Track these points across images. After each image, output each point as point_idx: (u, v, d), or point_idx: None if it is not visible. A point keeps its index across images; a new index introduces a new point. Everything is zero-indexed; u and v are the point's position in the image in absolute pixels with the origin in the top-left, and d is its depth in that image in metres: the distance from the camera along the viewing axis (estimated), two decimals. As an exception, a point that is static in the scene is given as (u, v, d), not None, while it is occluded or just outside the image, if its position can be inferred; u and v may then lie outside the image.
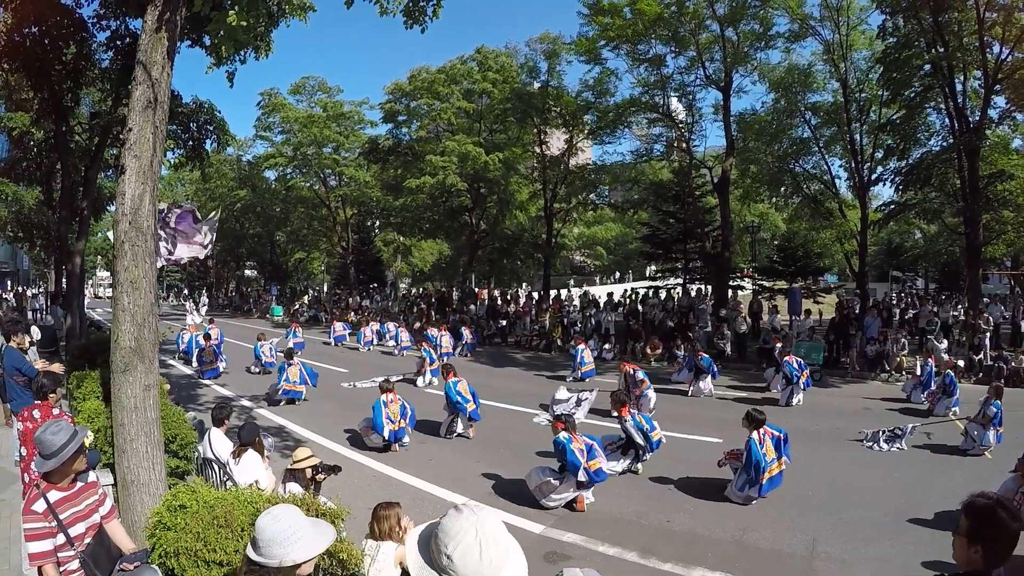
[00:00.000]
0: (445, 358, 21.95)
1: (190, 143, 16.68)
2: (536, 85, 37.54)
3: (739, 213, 47.34)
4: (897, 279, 56.23)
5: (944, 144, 26.79)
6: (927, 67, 25.32)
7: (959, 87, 25.17)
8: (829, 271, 57.70)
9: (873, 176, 29.98)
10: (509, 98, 36.99)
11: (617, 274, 75.56)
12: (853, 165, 30.79)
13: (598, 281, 72.33)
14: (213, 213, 12.70)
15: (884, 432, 12.41)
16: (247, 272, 72.61)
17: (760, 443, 9.12)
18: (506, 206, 40.85)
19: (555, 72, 37.22)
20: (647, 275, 47.99)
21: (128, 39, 14.01)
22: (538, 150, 39.26)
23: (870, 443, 12.29)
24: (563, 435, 8.86)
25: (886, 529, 8.23)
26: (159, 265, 8.78)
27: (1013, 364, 20.38)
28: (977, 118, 24.70)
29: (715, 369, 18.26)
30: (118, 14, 14.28)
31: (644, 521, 8.60)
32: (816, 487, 9.86)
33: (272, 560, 2.96)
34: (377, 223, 56.50)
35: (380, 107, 43.62)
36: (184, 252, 11.29)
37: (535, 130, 38.19)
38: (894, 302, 37.33)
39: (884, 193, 45.44)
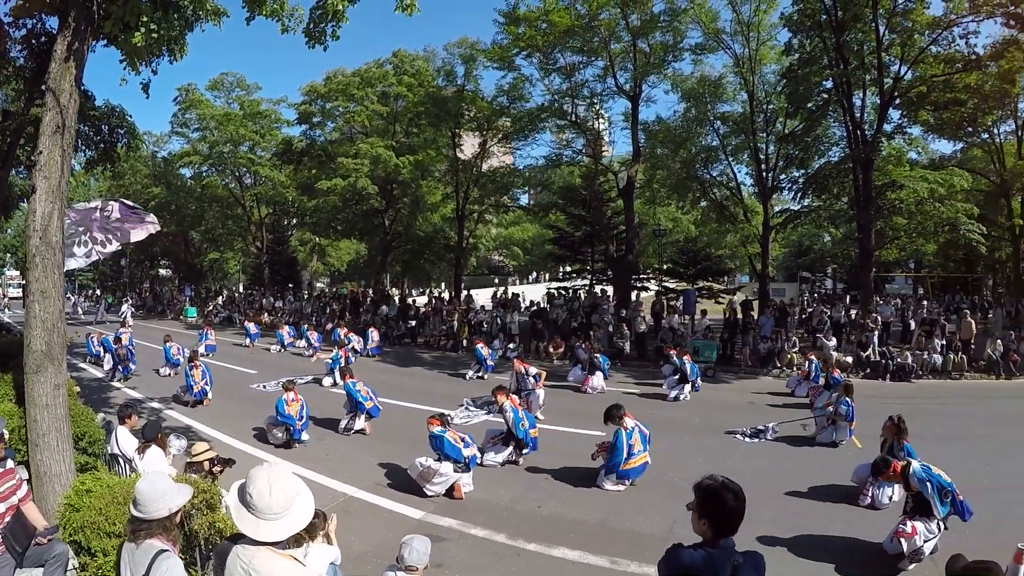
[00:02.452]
0: (352, 359, 22.40)
1: (101, 145, 16.72)
2: (452, 89, 37.78)
3: (653, 216, 48.90)
4: (806, 279, 58.66)
5: (843, 154, 28.51)
6: (828, 83, 26.85)
7: (857, 102, 26.69)
8: (729, 273, 59.95)
9: (776, 183, 31.75)
10: (424, 101, 37.22)
11: (534, 274, 76.64)
12: (758, 172, 32.33)
13: (516, 281, 73.27)
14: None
15: (751, 428, 13.56)
16: (161, 272, 71.04)
17: (629, 432, 9.90)
18: (418, 208, 41.07)
19: (472, 76, 37.55)
20: (559, 276, 49.21)
21: (44, 38, 14.04)
22: (451, 153, 39.59)
23: (742, 436, 13.37)
24: (437, 429, 9.52)
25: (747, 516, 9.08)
26: (116, 249, 9.18)
27: (899, 360, 21.96)
28: (873, 131, 26.27)
29: (607, 367, 19.22)
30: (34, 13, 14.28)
31: (517, 507, 9.26)
32: (682, 474, 10.49)
33: (153, 513, 3.75)
34: (294, 222, 56.16)
35: (295, 108, 43.39)
36: (140, 234, 11.71)
37: (449, 133, 38.46)
38: (804, 301, 39.30)
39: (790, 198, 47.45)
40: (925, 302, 36.99)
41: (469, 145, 41.54)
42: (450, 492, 9.48)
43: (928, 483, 7.62)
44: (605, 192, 37.63)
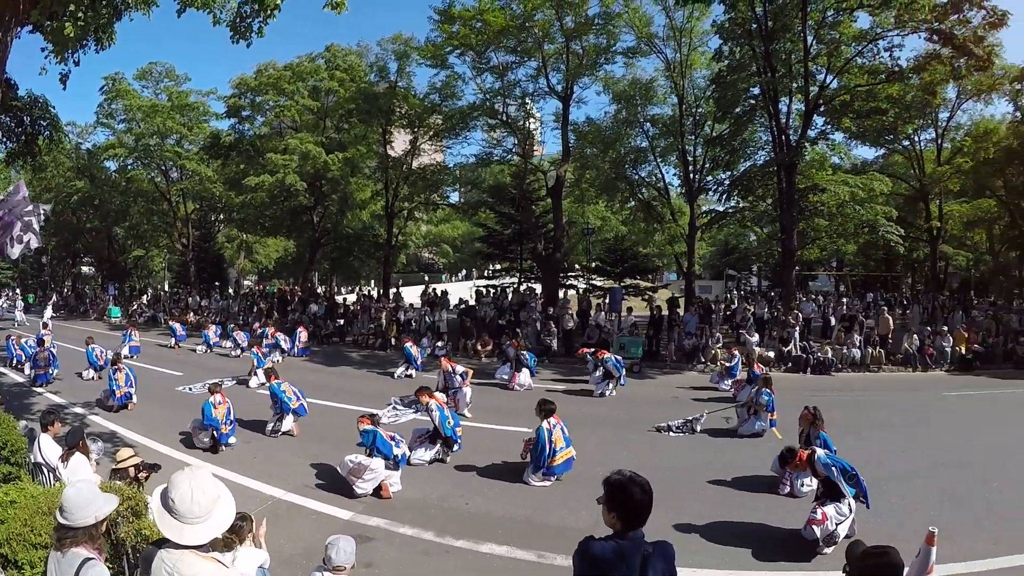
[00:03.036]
0: (280, 359, 22.37)
1: (23, 137, 16.24)
2: (384, 85, 37.52)
3: (582, 215, 49.44)
4: (732, 277, 59.99)
5: (768, 158, 29.26)
6: (755, 89, 27.65)
7: (783, 108, 27.43)
8: (656, 271, 61.06)
9: (703, 184, 32.49)
10: (355, 97, 36.83)
11: (464, 271, 76.66)
12: (685, 174, 32.96)
13: (447, 279, 73.03)
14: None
15: (678, 422, 13.86)
16: (84, 270, 68.76)
17: (550, 431, 10.07)
18: (347, 205, 40.71)
19: (405, 73, 37.34)
20: (488, 273, 49.41)
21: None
22: (382, 150, 39.34)
23: (664, 431, 13.66)
24: (368, 426, 9.61)
25: (667, 504, 9.07)
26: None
27: (819, 355, 22.87)
28: (797, 137, 27.09)
29: (534, 364, 19.47)
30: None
31: (445, 504, 9.37)
32: (608, 469, 10.69)
33: (79, 521, 3.72)
34: (221, 218, 54.98)
35: (224, 100, 42.43)
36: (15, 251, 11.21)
37: (380, 130, 38.19)
38: (728, 298, 40.20)
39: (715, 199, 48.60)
40: (845, 299, 38.58)
41: (400, 142, 41.18)
42: (377, 492, 9.51)
43: (833, 468, 8.03)
44: (534, 191, 37.93)
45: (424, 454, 11.11)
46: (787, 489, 9.87)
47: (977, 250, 52.45)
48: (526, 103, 35.09)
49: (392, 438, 9.83)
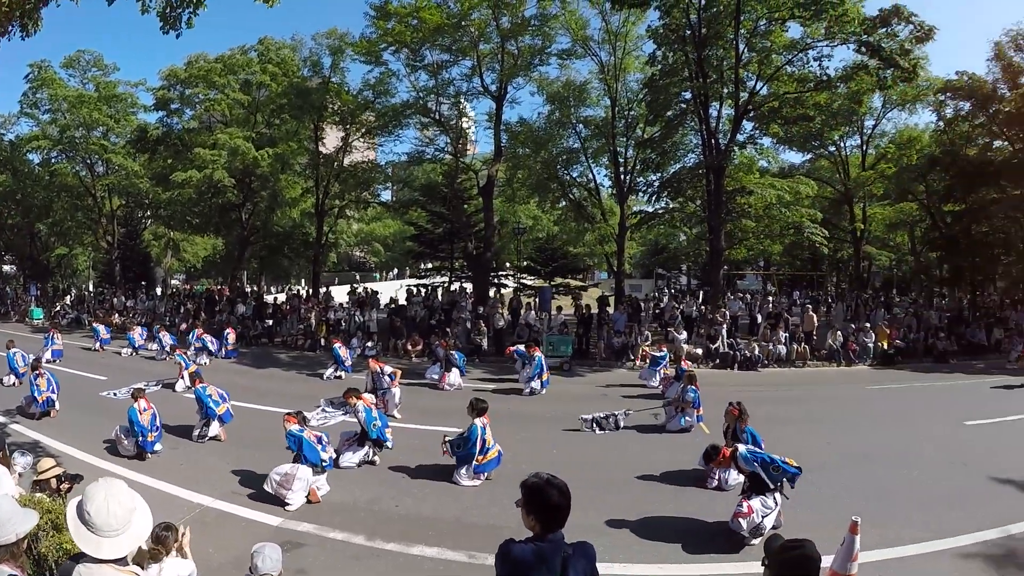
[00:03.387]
0: (207, 362, 21.90)
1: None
2: (317, 80, 36.98)
3: (514, 215, 49.72)
4: (661, 276, 60.97)
5: (697, 161, 29.86)
6: (687, 94, 28.20)
7: (714, 113, 28.13)
8: (588, 270, 61.84)
9: (633, 185, 33.01)
10: (288, 92, 36.21)
11: (395, 270, 76.22)
12: (616, 175, 33.40)
13: (378, 278, 72.40)
14: None
15: (597, 417, 14.03)
16: (5, 268, 65.93)
17: (483, 427, 10.16)
18: (277, 202, 39.97)
19: (338, 69, 36.88)
20: (419, 273, 49.25)
21: None
22: (313, 147, 38.71)
23: (589, 427, 13.82)
24: (295, 427, 9.49)
25: (598, 501, 9.35)
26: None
27: (746, 351, 23.47)
28: (727, 141, 27.68)
29: (464, 364, 19.52)
30: None
31: (375, 507, 9.32)
32: (537, 466, 10.86)
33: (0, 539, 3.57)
34: (147, 215, 53.35)
35: (153, 92, 41.11)
36: None
37: (312, 126, 37.61)
38: (657, 296, 40.83)
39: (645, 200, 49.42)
40: (771, 298, 39.61)
41: (332, 139, 40.59)
42: (307, 496, 9.39)
43: (755, 462, 8.25)
44: (466, 190, 37.97)
45: (353, 457, 11.02)
46: (715, 483, 10.12)
47: (899, 251, 54.31)
48: (459, 102, 35.10)
49: (319, 439, 9.74)
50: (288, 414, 9.83)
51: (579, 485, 9.75)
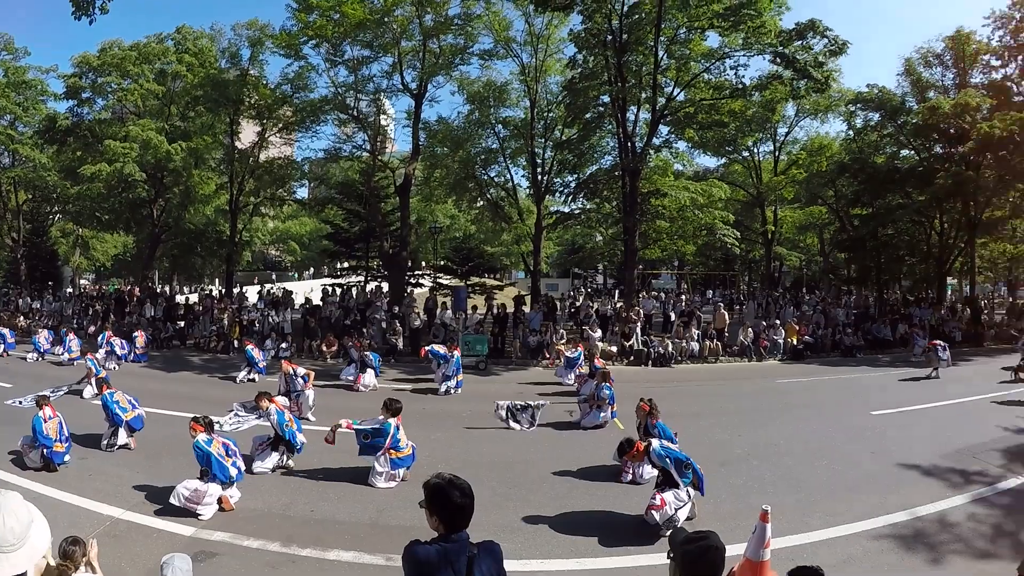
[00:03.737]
0: (116, 366, 21.09)
1: None
2: (235, 72, 36.22)
3: (431, 214, 49.65)
4: (578, 275, 61.77)
5: (614, 163, 30.35)
6: (605, 97, 28.59)
7: (631, 117, 28.55)
8: (505, 269, 62.21)
9: (550, 186, 33.44)
10: (204, 83, 35.16)
11: (311, 269, 75.15)
12: (534, 175, 33.70)
13: (296, 276, 71.38)
14: None
15: (512, 405, 14.19)
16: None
17: (398, 427, 10.15)
18: (190, 198, 38.54)
19: (257, 61, 36.26)
20: (335, 272, 48.64)
21: None
22: (229, 141, 37.70)
23: (504, 417, 13.95)
24: (202, 437, 9.18)
25: (514, 498, 9.53)
26: None
27: (659, 348, 23.97)
28: (643, 144, 28.21)
29: (378, 364, 19.43)
30: None
31: (290, 513, 9.16)
32: (453, 466, 10.77)
33: None
34: (55, 210, 51.44)
35: (64, 80, 39.28)
36: None
37: (228, 119, 36.59)
38: (573, 295, 41.29)
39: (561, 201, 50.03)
40: (684, 296, 40.53)
41: (248, 133, 39.60)
42: (220, 505, 9.11)
43: (667, 459, 8.43)
44: (383, 189, 37.67)
45: (265, 462, 10.79)
46: (629, 477, 10.29)
47: (809, 252, 56.22)
48: (379, 99, 34.78)
49: (227, 448, 9.42)
50: (194, 421, 9.48)
51: (495, 484, 9.80)
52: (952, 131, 34.00)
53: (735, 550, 7.00)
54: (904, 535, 8.54)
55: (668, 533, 8.00)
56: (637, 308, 27.46)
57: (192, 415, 9.83)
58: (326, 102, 33.00)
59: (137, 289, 39.69)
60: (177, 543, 8.00)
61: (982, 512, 9.47)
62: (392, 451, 10.13)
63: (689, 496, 8.46)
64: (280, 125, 37.43)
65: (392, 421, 10.18)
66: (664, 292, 46.54)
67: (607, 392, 14.11)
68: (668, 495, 8.32)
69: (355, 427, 10.33)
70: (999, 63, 40.06)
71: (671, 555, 3.37)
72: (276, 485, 10.26)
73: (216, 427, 10.24)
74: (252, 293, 36.78)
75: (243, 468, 9.73)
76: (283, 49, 32.08)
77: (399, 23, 29.72)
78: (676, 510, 8.26)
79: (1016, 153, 31.03)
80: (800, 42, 26.56)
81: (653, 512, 8.22)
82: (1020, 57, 38.74)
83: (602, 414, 14.14)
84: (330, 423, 11.14)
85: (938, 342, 22.74)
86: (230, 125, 37.02)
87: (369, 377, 18.66)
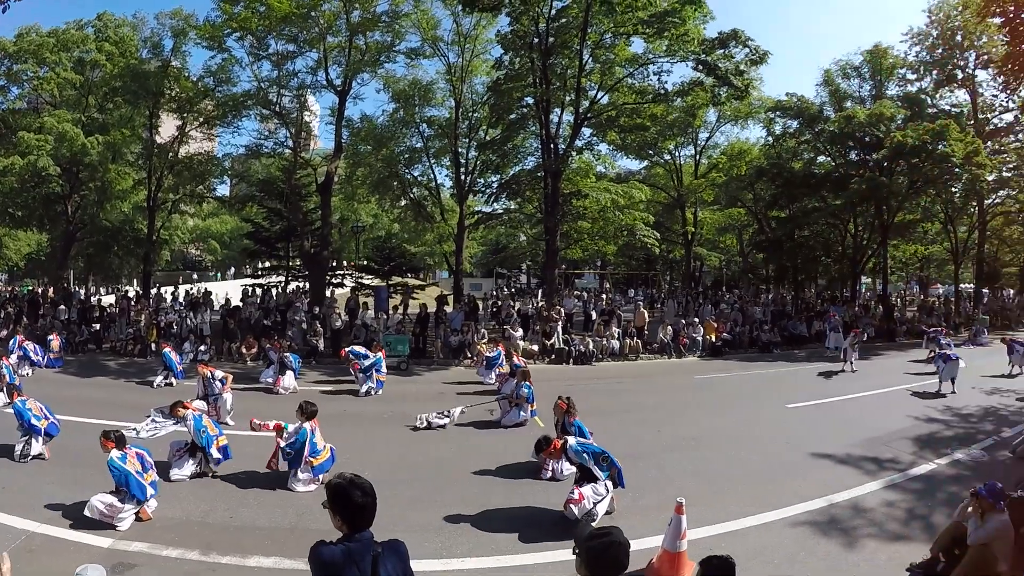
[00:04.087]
0: (30, 372, 20.29)
1: None
2: (157, 63, 34.92)
3: (355, 213, 49.32)
4: (502, 275, 62.17)
5: (537, 164, 30.70)
6: (530, 99, 28.96)
7: (555, 119, 28.90)
8: (427, 269, 62.25)
9: (473, 186, 33.60)
10: (124, 74, 33.85)
11: (232, 269, 73.39)
12: (457, 175, 33.76)
13: (220, 276, 69.24)
14: None
15: (435, 413, 14.24)
16: None
17: (313, 432, 10.09)
18: (107, 195, 37.14)
19: (180, 52, 35.06)
20: (257, 272, 47.76)
21: None
22: (148, 135, 36.36)
23: (423, 424, 13.98)
24: (115, 454, 8.86)
25: (434, 498, 9.61)
26: None
27: (580, 347, 24.38)
28: (565, 146, 28.61)
29: (298, 366, 19.17)
30: None
31: (209, 520, 9.02)
32: (371, 468, 10.65)
33: None
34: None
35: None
36: None
37: (148, 112, 35.22)
38: (496, 295, 41.56)
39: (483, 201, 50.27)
40: (604, 295, 41.42)
41: (169, 127, 38.14)
42: (137, 515, 8.87)
43: (584, 454, 8.65)
44: (305, 187, 36.97)
45: (184, 469, 10.58)
46: (549, 474, 10.47)
47: (729, 252, 57.60)
48: (303, 95, 34.26)
49: (142, 462, 9.10)
50: (104, 436, 9.11)
51: (417, 484, 9.92)
52: (867, 139, 35.42)
53: (655, 542, 7.37)
54: (819, 521, 8.95)
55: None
56: (558, 307, 27.82)
57: (110, 422, 9.61)
58: (249, 97, 32.24)
59: (51, 290, 38.30)
60: (94, 555, 7.82)
61: (895, 497, 10.01)
62: (311, 458, 10.05)
63: (607, 489, 8.68)
64: (201, 119, 36.38)
65: (307, 426, 10.10)
66: (587, 291, 47.24)
67: (526, 391, 14.32)
68: (586, 489, 8.54)
69: (282, 447, 10.21)
70: (915, 76, 42.50)
71: (576, 551, 3.48)
72: (194, 492, 10.09)
73: (133, 434, 10.02)
74: (179, 292, 35.75)
75: (156, 483, 9.39)
76: (206, 41, 31.15)
77: (326, 18, 29.37)
78: (595, 504, 8.50)
79: (927, 161, 32.50)
80: (722, 50, 27.32)
81: (572, 507, 8.42)
82: (935, 71, 40.89)
83: (522, 413, 14.34)
84: (249, 427, 11.16)
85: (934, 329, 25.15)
86: (150, 118, 35.79)
87: (289, 379, 18.36)
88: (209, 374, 14.96)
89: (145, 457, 9.26)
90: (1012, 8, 15.73)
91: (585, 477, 8.77)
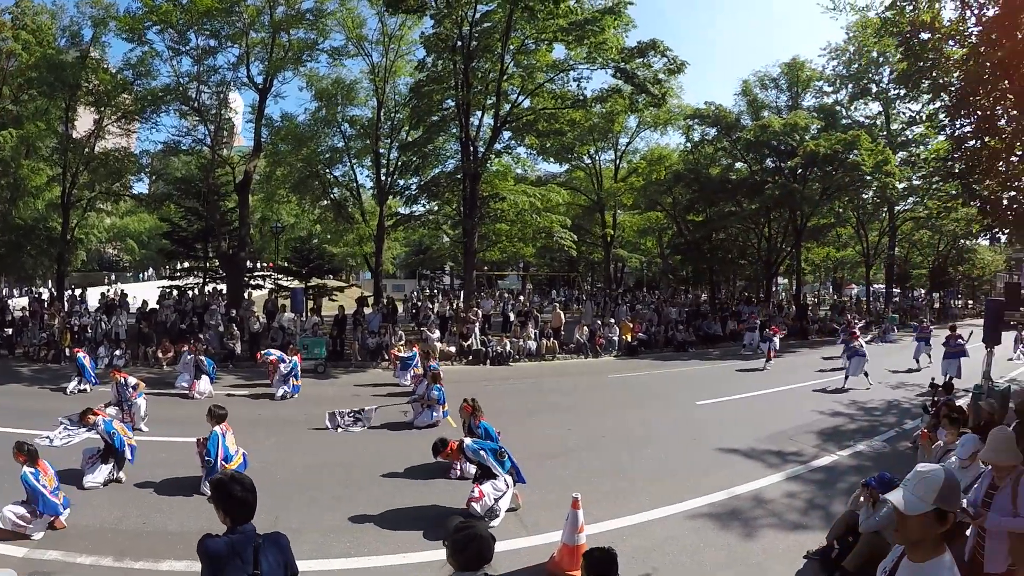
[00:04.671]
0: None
1: None
2: (75, 54, 33.49)
3: (276, 213, 48.79)
4: (425, 276, 62.39)
5: (457, 166, 30.90)
6: (451, 101, 29.22)
7: (476, 122, 29.29)
8: (349, 270, 62.02)
9: (394, 187, 33.75)
10: (40, 64, 32.16)
11: (151, 270, 71.86)
12: (378, 176, 33.84)
13: (143, 278, 67.93)
14: None
15: (347, 414, 14.38)
16: None
17: (223, 435, 10.14)
18: (19, 192, 35.53)
19: (99, 43, 33.90)
20: (175, 273, 46.62)
21: None
22: (63, 129, 34.83)
23: (336, 426, 14.10)
24: (28, 470, 8.76)
25: (342, 499, 9.80)
26: None
27: (497, 348, 24.80)
28: (485, 148, 28.98)
29: (213, 370, 18.88)
30: None
31: (122, 526, 8.99)
32: (285, 471, 11.21)
33: None
34: None
35: None
36: None
37: (64, 105, 33.52)
38: (414, 296, 41.75)
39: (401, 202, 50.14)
40: (522, 296, 42.19)
41: (87, 121, 36.65)
42: (51, 523, 8.81)
43: (481, 452, 9.05)
44: (223, 186, 36.20)
45: (98, 476, 10.46)
46: (457, 473, 10.75)
47: (650, 254, 58.77)
48: (223, 92, 33.41)
49: (55, 476, 9.04)
50: (17, 450, 8.96)
51: (327, 485, 10.20)
52: (782, 147, 36.78)
53: (558, 536, 7.74)
54: (720, 513, 9.32)
55: (494, 523, 8.67)
56: (475, 308, 28.23)
57: (20, 431, 9.44)
58: (168, 92, 31.63)
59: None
60: (8, 564, 7.80)
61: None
62: (225, 464, 10.02)
63: (507, 484, 9.02)
64: (119, 114, 35.15)
65: (217, 429, 10.12)
66: (510, 293, 47.76)
67: (436, 393, 14.61)
68: (486, 486, 8.88)
69: (203, 453, 10.24)
70: (831, 89, 44.19)
71: (445, 543, 3.72)
72: (108, 499, 10.02)
73: (47, 443, 10.12)
74: (92, 296, 34.77)
75: (68, 500, 9.21)
76: (127, 33, 30.39)
77: (249, 13, 29.09)
78: (496, 500, 8.84)
79: (839, 169, 33.96)
80: (641, 59, 28.05)
81: (474, 504, 8.71)
82: (851, 85, 42.68)
83: (435, 414, 14.64)
84: (163, 433, 11.39)
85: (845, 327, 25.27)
86: (66, 111, 34.24)
87: (204, 384, 18.15)
88: (122, 380, 14.69)
89: (48, 472, 9.12)
90: (908, 29, 16.70)
91: (485, 475, 9.12)
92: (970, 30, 13.96)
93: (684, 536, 8.58)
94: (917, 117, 36.74)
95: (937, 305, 55.30)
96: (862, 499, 7.63)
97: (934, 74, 15.19)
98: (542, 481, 9.95)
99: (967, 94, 13.96)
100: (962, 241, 53.93)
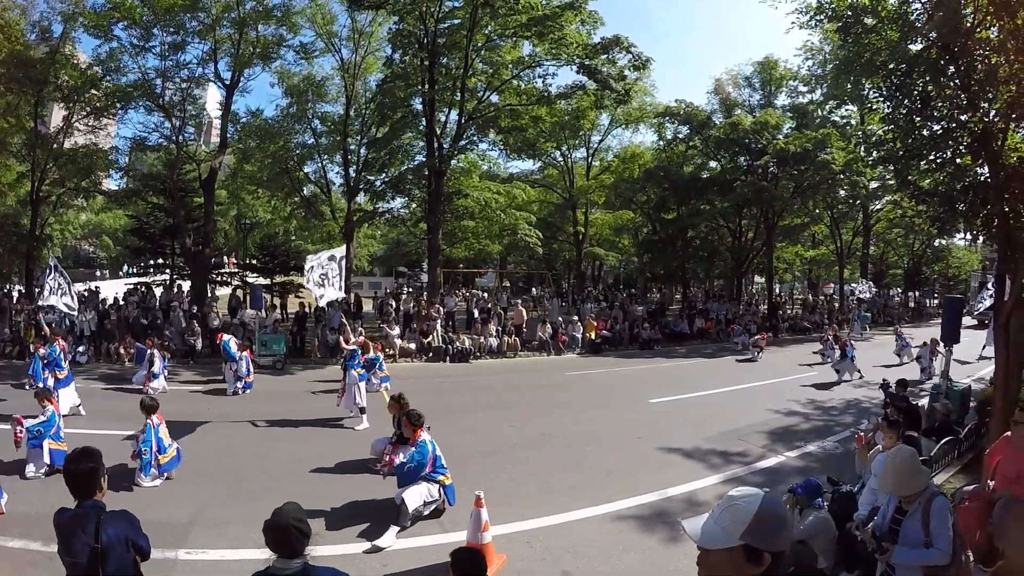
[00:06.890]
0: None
1: None
2: (45, 49, 33.05)
3: (251, 209, 48.75)
4: (402, 273, 62.51)
5: (422, 162, 30.91)
6: (417, 98, 29.34)
7: (442, 118, 29.58)
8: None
9: (362, 183, 33.81)
10: (8, 60, 31.31)
11: (126, 267, 71.33)
12: (347, 172, 33.88)
13: (118, 274, 66.76)
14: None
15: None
16: None
17: (156, 427, 10.27)
18: None
19: (69, 39, 33.34)
20: (144, 270, 46.58)
21: None
22: (33, 125, 34.26)
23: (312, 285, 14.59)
24: None
25: (267, 499, 9.73)
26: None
27: (459, 345, 25.04)
28: (450, 145, 29.14)
29: (165, 365, 18.80)
30: None
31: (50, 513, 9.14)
32: (219, 464, 11.30)
33: None
34: None
35: None
36: None
37: (33, 101, 33.37)
38: (388, 293, 41.87)
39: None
40: (486, 294, 42.30)
41: (57, 117, 36.81)
42: None
43: (409, 465, 9.02)
44: (189, 182, 36.39)
45: (39, 470, 10.61)
46: (387, 470, 10.79)
47: (627, 252, 58.99)
48: (190, 88, 33.10)
49: None
50: None
51: (262, 479, 10.45)
52: (753, 146, 37.00)
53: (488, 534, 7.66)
54: (647, 515, 9.18)
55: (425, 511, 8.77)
56: (437, 305, 28.38)
57: None
58: (135, 87, 31.45)
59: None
60: None
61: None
62: (159, 455, 10.20)
63: (439, 495, 9.01)
64: (88, 109, 34.75)
65: (150, 421, 10.27)
66: (486, 291, 47.85)
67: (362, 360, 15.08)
68: (420, 487, 8.84)
69: (138, 449, 10.29)
70: (806, 89, 44.36)
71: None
72: (46, 489, 10.10)
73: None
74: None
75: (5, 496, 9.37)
76: (93, 29, 30.33)
77: (217, 9, 28.99)
78: (424, 503, 8.83)
79: (810, 167, 34.21)
80: (606, 56, 28.19)
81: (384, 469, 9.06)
82: (825, 85, 42.91)
83: (374, 380, 15.11)
84: (110, 426, 11.75)
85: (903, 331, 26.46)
86: (35, 107, 34.16)
87: (159, 380, 18.09)
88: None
89: None
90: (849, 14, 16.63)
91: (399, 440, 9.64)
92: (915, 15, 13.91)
93: (602, 538, 8.45)
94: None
95: (912, 304, 55.75)
96: (788, 506, 7.22)
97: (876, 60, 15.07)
98: (471, 479, 9.84)
99: (909, 72, 13.86)
100: (937, 240, 54.25)
